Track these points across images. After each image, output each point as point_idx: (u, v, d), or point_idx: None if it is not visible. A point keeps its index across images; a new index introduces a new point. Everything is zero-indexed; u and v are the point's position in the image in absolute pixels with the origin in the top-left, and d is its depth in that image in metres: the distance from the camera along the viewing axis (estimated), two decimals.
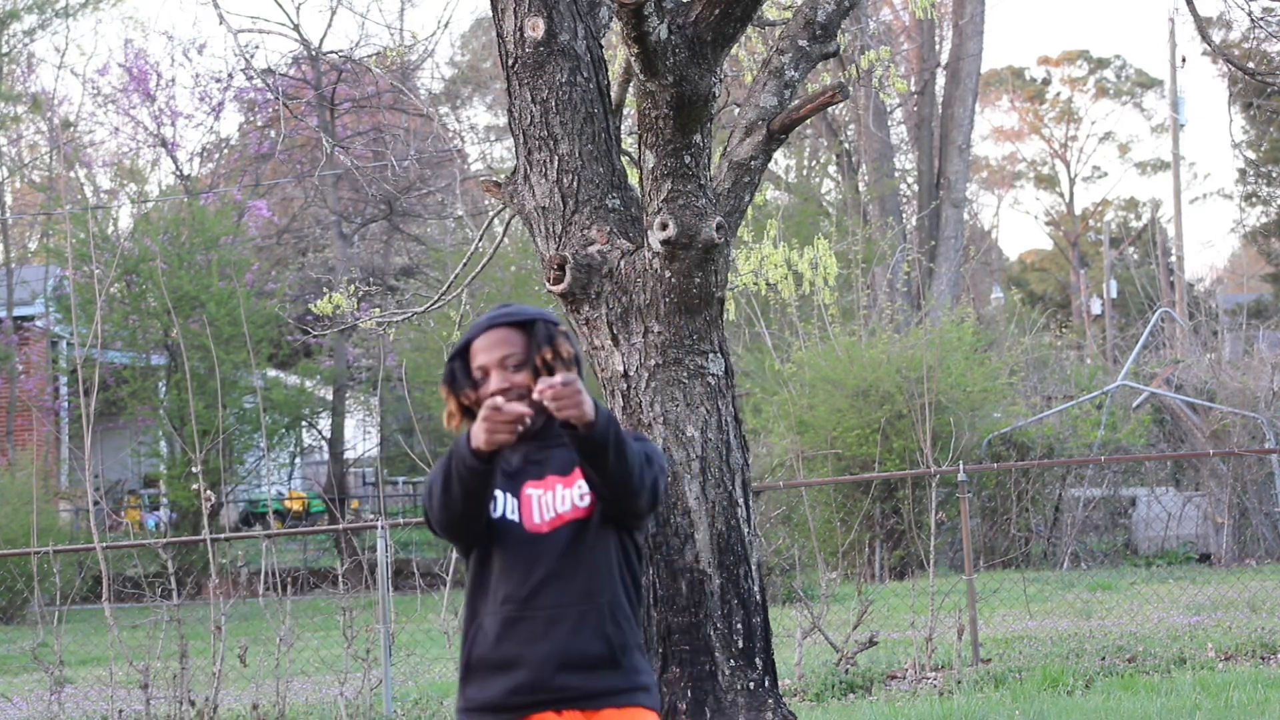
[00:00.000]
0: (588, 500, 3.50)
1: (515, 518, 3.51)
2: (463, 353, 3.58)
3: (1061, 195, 53.31)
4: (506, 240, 19.13)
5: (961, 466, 10.98)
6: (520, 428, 3.36)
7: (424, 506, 3.57)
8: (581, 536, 3.49)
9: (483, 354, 3.53)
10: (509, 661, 3.43)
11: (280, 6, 31.19)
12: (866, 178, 27.59)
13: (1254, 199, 43.12)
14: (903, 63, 29.87)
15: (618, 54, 9.09)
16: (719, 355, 6.31)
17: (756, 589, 6.21)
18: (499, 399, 3.35)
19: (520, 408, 3.33)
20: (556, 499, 3.51)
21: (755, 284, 13.27)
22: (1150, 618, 12.04)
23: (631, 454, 3.43)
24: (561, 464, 3.54)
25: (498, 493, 3.51)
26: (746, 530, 6.22)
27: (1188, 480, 17.99)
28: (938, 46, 30.49)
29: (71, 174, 28.51)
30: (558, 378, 3.30)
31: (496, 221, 12.21)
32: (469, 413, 3.54)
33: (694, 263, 6.05)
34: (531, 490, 3.53)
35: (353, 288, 11.89)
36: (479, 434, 3.33)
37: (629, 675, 3.46)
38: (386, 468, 27.82)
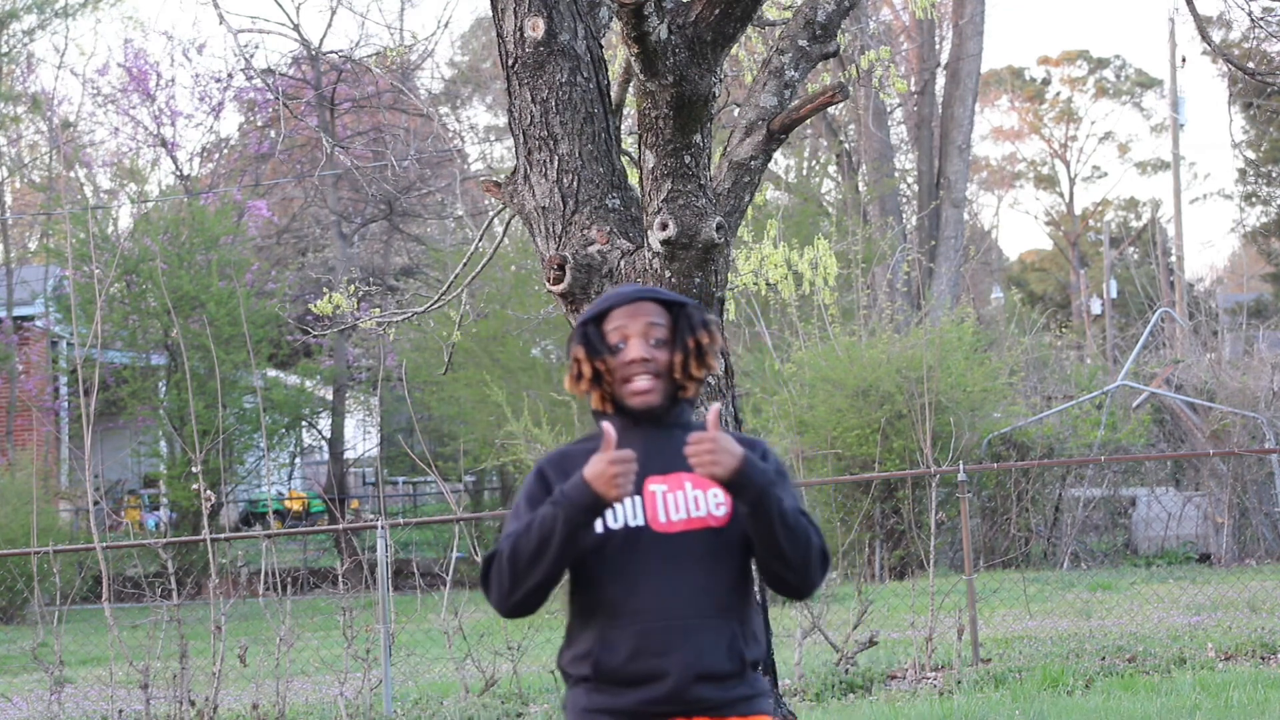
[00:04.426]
0: (724, 510, 3.27)
1: (640, 521, 3.26)
2: (597, 318, 3.35)
3: (1061, 195, 53.33)
4: (506, 240, 19.13)
5: (961, 466, 10.98)
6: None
7: (492, 587, 3.26)
8: (715, 546, 3.27)
9: (626, 319, 3.31)
10: (648, 675, 3.23)
11: (280, 6, 31.24)
12: (866, 178, 27.59)
13: (1254, 199, 43.12)
14: (903, 63, 29.87)
15: (618, 54, 9.09)
16: (719, 355, 6.30)
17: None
18: (625, 452, 3.16)
19: (631, 453, 3.16)
20: (688, 500, 3.28)
21: (755, 284, 13.27)
22: (1150, 618, 12.04)
23: (796, 531, 3.21)
24: None
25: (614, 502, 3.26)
26: None
27: (1188, 480, 17.99)
28: (938, 46, 30.48)
29: (71, 174, 28.52)
30: (709, 435, 3.14)
31: (496, 221, 12.21)
32: (598, 378, 3.33)
33: (694, 263, 6.05)
34: (656, 486, 3.28)
35: (353, 288, 11.89)
36: (609, 488, 3.13)
37: (753, 684, 3.32)
38: (386, 468, 27.81)
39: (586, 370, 3.32)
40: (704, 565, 3.25)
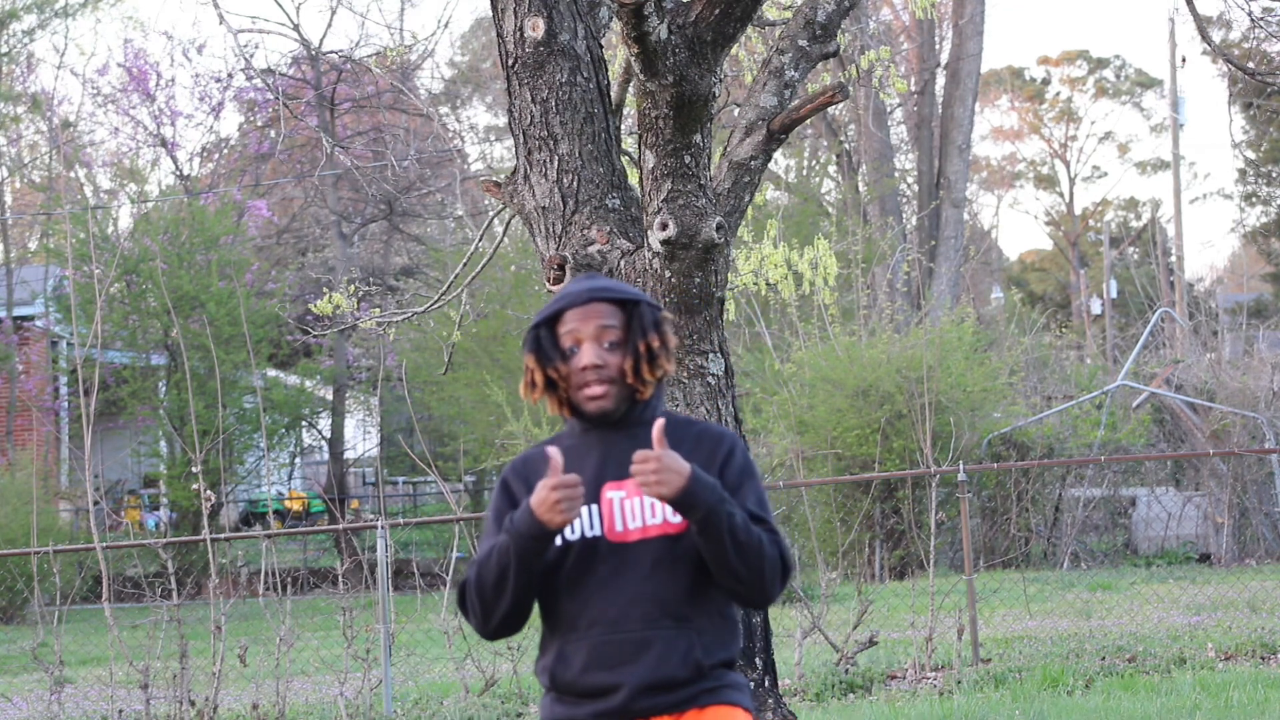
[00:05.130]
0: (681, 516, 3.22)
1: (596, 531, 3.24)
2: (549, 320, 3.29)
3: (1061, 195, 53.34)
4: (506, 240, 19.14)
5: (961, 466, 10.98)
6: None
7: (469, 616, 3.28)
8: (672, 553, 3.22)
9: (578, 322, 3.24)
10: (599, 689, 3.20)
11: (280, 6, 31.27)
12: (866, 178, 27.60)
13: (1254, 199, 43.12)
14: (903, 63, 29.87)
15: (618, 54, 9.09)
16: (719, 355, 6.31)
17: None
18: (569, 477, 3.13)
19: (575, 477, 3.15)
20: (644, 507, 3.23)
21: (755, 284, 13.27)
22: (1150, 618, 12.04)
23: (747, 547, 3.16)
24: None
25: None
26: None
27: (1188, 480, 17.99)
28: (938, 46, 30.49)
29: (71, 174, 28.52)
30: (654, 454, 3.10)
31: (496, 221, 12.22)
32: (551, 385, 3.28)
33: (694, 263, 6.05)
34: (613, 493, 3.25)
35: (353, 288, 11.89)
36: (554, 515, 3.11)
37: (718, 679, 3.25)
38: (386, 468, 27.82)
39: (538, 379, 3.28)
40: (659, 574, 3.20)
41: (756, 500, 3.27)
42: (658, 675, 3.19)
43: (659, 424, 3.17)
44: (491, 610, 3.24)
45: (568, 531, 3.24)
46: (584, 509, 3.24)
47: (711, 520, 3.14)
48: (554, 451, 3.18)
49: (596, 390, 3.24)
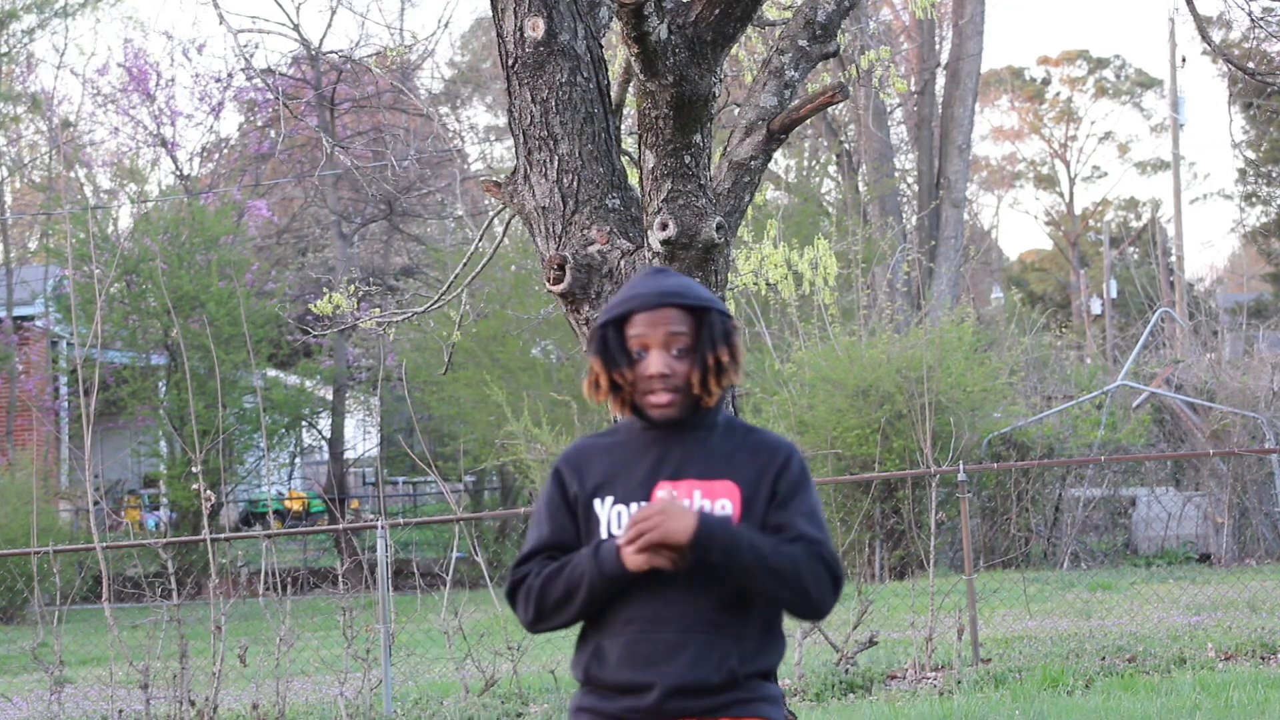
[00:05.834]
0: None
1: None
2: (616, 320, 3.26)
3: (1061, 195, 53.35)
4: (506, 240, 19.13)
5: (961, 466, 10.98)
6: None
7: (519, 610, 3.29)
8: None
9: (647, 328, 3.21)
10: (629, 687, 3.19)
11: (280, 6, 31.27)
12: (866, 178, 27.59)
13: (1254, 199, 43.12)
14: (903, 63, 29.87)
15: (618, 54, 9.09)
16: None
17: None
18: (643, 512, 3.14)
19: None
20: (692, 508, 3.19)
21: (755, 284, 13.26)
22: (1150, 618, 12.04)
23: (780, 573, 3.14)
24: (705, 465, 3.24)
25: (621, 507, 3.23)
26: None
27: (1188, 480, 17.99)
28: (938, 46, 30.49)
29: (71, 174, 28.52)
30: (635, 528, 3.10)
31: (496, 221, 12.21)
32: (616, 388, 3.26)
33: (694, 263, 6.05)
34: (663, 491, 3.23)
35: (353, 288, 11.88)
36: (636, 560, 3.11)
37: (753, 690, 3.23)
38: (386, 468, 27.81)
39: (604, 383, 3.27)
40: (701, 577, 3.16)
41: (809, 512, 3.25)
42: (691, 678, 3.17)
43: (663, 486, 3.20)
44: (547, 618, 3.26)
45: (614, 527, 3.23)
46: (633, 505, 3.23)
47: (732, 559, 3.13)
48: (666, 493, 3.22)
49: (663, 399, 3.23)
